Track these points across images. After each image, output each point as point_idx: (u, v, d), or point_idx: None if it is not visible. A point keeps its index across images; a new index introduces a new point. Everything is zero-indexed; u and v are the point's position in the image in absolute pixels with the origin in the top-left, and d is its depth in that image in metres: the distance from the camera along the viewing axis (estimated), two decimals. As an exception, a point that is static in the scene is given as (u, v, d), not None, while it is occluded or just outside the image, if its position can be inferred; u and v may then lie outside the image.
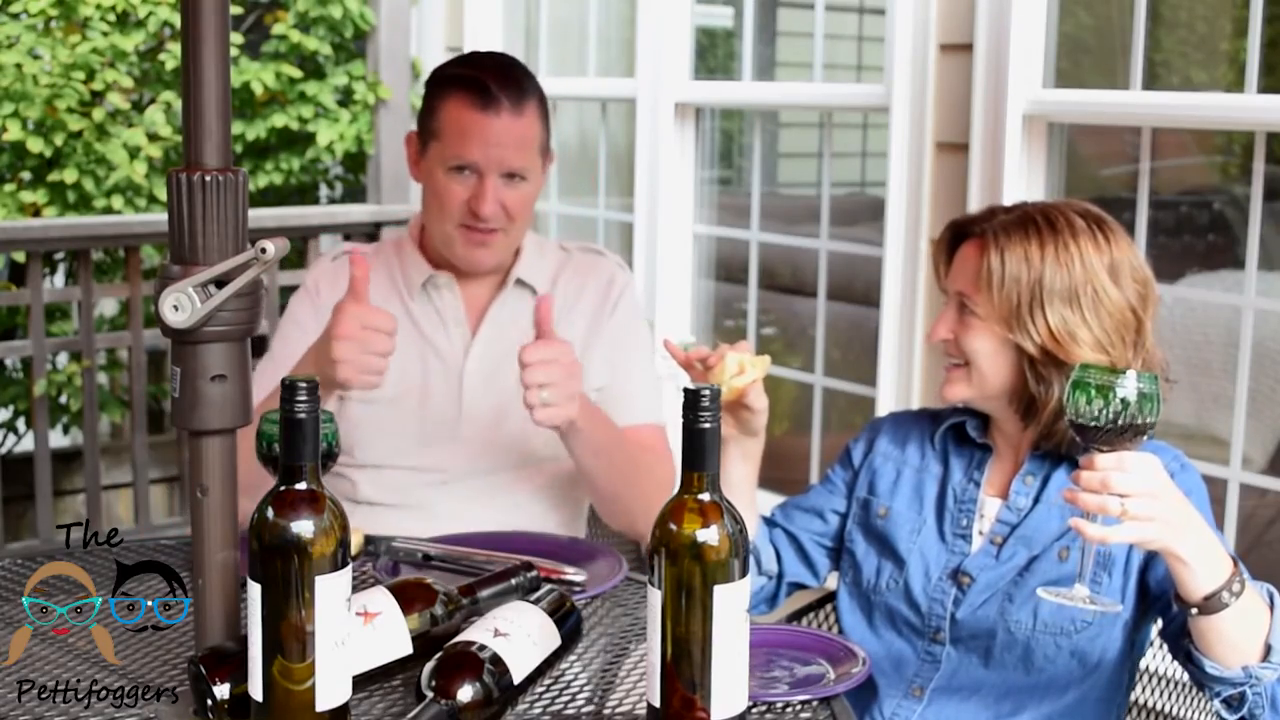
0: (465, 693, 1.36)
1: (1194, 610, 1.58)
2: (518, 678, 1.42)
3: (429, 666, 1.40)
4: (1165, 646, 1.78)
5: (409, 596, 1.52)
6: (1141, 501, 1.51)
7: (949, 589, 1.89)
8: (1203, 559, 1.56)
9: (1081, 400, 1.51)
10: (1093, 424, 1.51)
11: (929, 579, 1.91)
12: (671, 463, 2.22)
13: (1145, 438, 1.52)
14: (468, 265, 2.25)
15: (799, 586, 2.09)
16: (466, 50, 4.29)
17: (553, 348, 1.97)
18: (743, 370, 1.80)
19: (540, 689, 1.52)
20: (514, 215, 2.21)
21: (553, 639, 1.50)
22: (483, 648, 1.41)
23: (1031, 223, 1.83)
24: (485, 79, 2.18)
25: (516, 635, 1.45)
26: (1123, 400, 1.49)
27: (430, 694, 1.36)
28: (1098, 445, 1.52)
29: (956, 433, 1.98)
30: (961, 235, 1.92)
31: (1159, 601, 1.79)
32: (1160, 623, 1.81)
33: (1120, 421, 1.49)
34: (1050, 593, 1.62)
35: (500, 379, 2.20)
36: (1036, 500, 1.88)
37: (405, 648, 1.49)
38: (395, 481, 2.22)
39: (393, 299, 2.27)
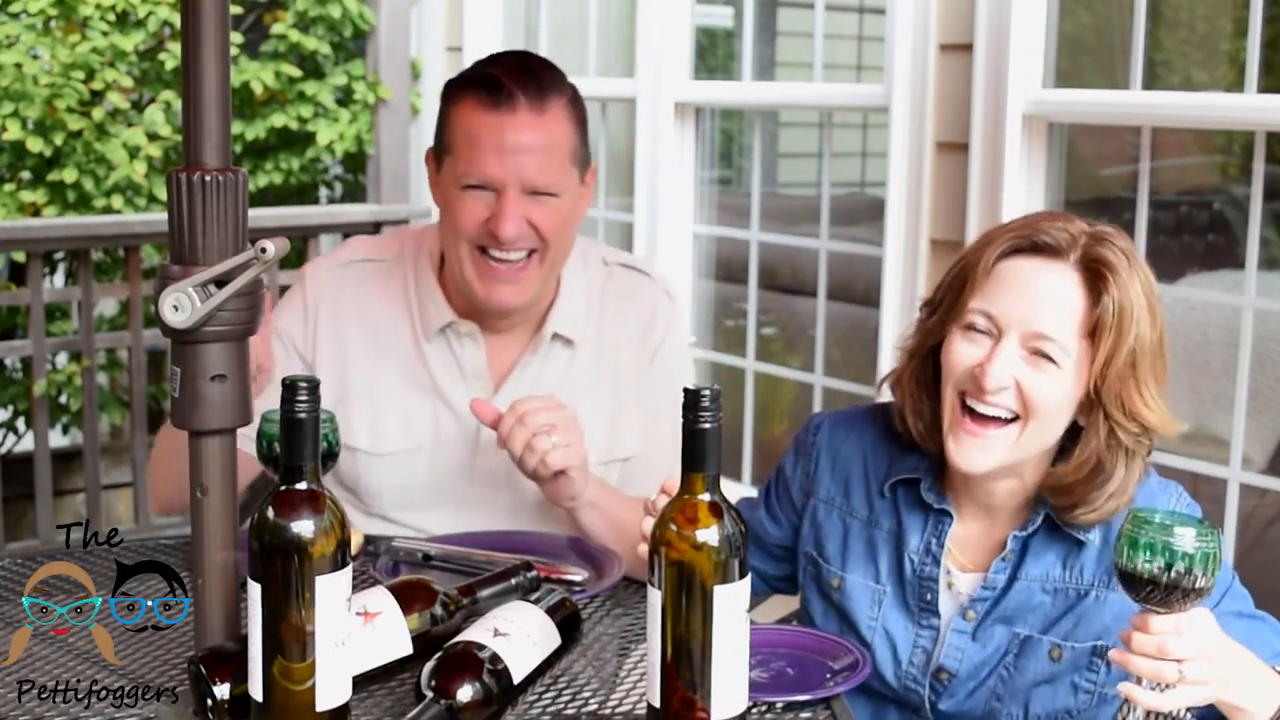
0: (465, 693, 1.37)
1: None
2: (518, 678, 1.42)
3: (429, 666, 1.40)
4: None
5: (409, 596, 1.52)
6: (1198, 665, 1.39)
7: (924, 679, 1.72)
8: (1255, 699, 1.48)
9: (1138, 557, 1.36)
10: (1148, 582, 1.37)
11: (899, 663, 1.73)
12: None
13: (1203, 599, 1.38)
14: (489, 305, 1.94)
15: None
16: (466, 49, 4.31)
17: (546, 398, 1.84)
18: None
19: (540, 689, 1.52)
20: (546, 237, 1.89)
21: (553, 639, 1.50)
22: (482, 648, 1.41)
23: (1130, 255, 1.60)
24: (496, 73, 1.88)
25: (516, 635, 1.45)
26: (1184, 556, 1.35)
27: (430, 694, 1.36)
28: (1151, 607, 1.39)
29: (907, 483, 1.77)
30: (1024, 250, 1.61)
31: None
32: None
33: (1182, 584, 1.35)
34: None
35: None
36: (1014, 577, 1.69)
37: (405, 648, 1.49)
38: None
39: (404, 334, 2.03)
